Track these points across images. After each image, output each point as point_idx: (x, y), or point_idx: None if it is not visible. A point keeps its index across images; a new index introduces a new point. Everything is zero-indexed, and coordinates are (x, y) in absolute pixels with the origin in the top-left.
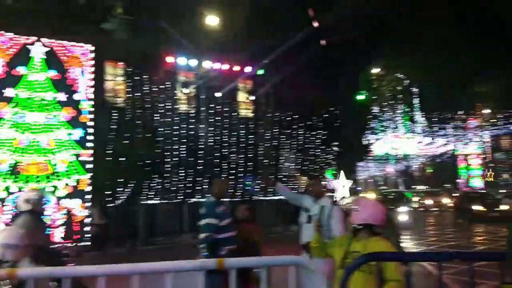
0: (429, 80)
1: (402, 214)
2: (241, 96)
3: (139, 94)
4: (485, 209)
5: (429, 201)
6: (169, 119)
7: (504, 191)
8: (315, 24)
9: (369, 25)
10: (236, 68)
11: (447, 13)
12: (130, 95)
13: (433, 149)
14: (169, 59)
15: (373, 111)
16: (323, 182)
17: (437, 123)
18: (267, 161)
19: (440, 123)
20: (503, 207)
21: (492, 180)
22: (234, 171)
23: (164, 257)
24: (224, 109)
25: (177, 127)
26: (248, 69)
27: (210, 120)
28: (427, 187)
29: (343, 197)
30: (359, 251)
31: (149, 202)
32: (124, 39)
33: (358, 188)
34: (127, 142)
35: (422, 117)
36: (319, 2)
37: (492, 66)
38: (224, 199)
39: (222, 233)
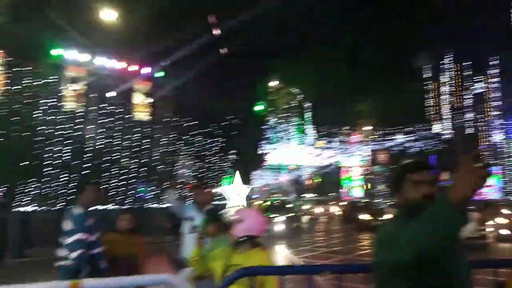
0: (319, 96)
1: (278, 224)
2: (138, 98)
3: (19, 87)
4: (371, 218)
5: (319, 210)
6: (53, 117)
7: (388, 201)
8: (217, 32)
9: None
10: (134, 67)
11: (338, 36)
12: (8, 88)
13: (321, 160)
14: (56, 52)
15: (270, 122)
16: (211, 190)
17: (325, 137)
18: (162, 167)
19: (328, 137)
20: (387, 216)
21: (370, 190)
22: (125, 177)
23: (37, 272)
24: (118, 110)
25: (62, 126)
26: (146, 70)
27: (100, 121)
28: (315, 195)
29: (234, 206)
30: (240, 263)
31: (24, 209)
32: (3, 24)
33: (254, 196)
34: (1, 139)
35: (313, 130)
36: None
37: (373, 87)
38: (94, 209)
39: (94, 248)
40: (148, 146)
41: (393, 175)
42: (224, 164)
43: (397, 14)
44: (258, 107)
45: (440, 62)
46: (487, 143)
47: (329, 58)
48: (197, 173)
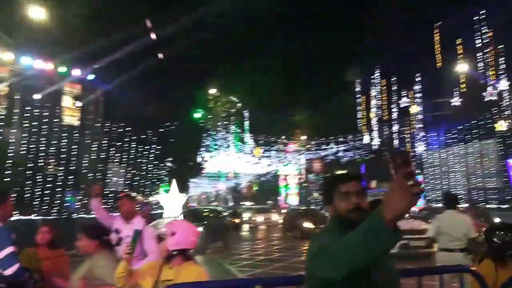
0: (258, 105)
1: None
2: (67, 101)
3: None
4: (314, 226)
5: (259, 218)
6: None
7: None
8: (154, 36)
9: (209, 46)
10: (62, 69)
11: (277, 47)
12: None
13: (259, 168)
14: None
15: (208, 129)
16: (137, 200)
17: (263, 145)
18: (92, 175)
19: (266, 145)
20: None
21: (305, 198)
22: (51, 185)
23: None
24: (44, 113)
25: None
26: (76, 71)
27: (24, 124)
28: (253, 203)
29: (168, 217)
30: (172, 279)
31: None
32: None
33: (192, 205)
34: None
35: (251, 138)
36: (162, 16)
37: (308, 98)
38: (15, 219)
39: (7, 267)
40: (76, 152)
41: (324, 186)
42: (161, 172)
43: (333, 28)
44: (197, 114)
45: (371, 77)
46: (411, 154)
47: (267, 69)
48: (130, 181)
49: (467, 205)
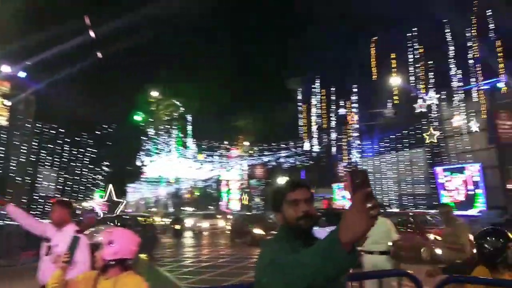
0: (201, 110)
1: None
2: None
3: None
4: (264, 232)
5: (205, 224)
6: None
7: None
8: (93, 34)
9: (151, 49)
10: None
11: (219, 52)
12: None
13: (202, 173)
14: None
15: (149, 133)
16: (72, 207)
17: (206, 151)
18: (20, 178)
19: (208, 151)
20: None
21: (247, 203)
22: None
23: None
24: None
25: None
26: (6, 68)
27: None
28: (195, 209)
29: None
30: None
31: None
32: None
33: (128, 211)
34: None
35: (194, 143)
36: (102, 14)
37: (252, 104)
38: None
39: None
40: (4, 154)
41: (272, 194)
42: (96, 176)
43: (277, 38)
44: (137, 117)
45: (312, 86)
46: (348, 161)
47: (211, 73)
48: (62, 186)
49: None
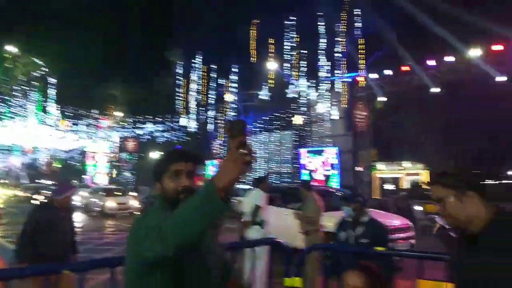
0: (68, 73)
1: None
2: None
3: None
4: (116, 205)
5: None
6: None
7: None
8: None
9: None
10: None
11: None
12: None
13: (64, 143)
14: None
15: (1, 93)
16: None
17: (71, 118)
18: None
19: (74, 119)
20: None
21: (116, 177)
22: None
23: None
24: None
25: None
26: None
27: None
28: (53, 182)
29: None
30: None
31: None
32: None
33: None
34: None
35: (57, 109)
36: None
37: (126, 73)
38: None
39: None
40: None
41: (156, 162)
42: None
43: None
44: None
45: (192, 61)
46: (223, 139)
47: (83, 34)
48: None
49: None
